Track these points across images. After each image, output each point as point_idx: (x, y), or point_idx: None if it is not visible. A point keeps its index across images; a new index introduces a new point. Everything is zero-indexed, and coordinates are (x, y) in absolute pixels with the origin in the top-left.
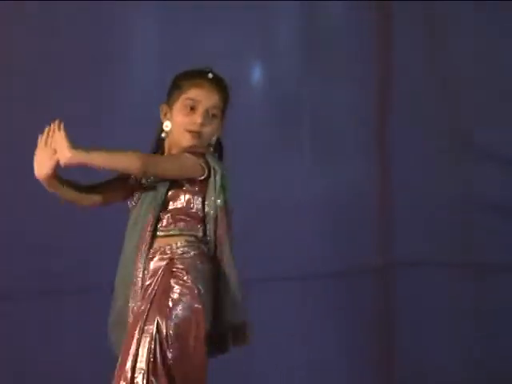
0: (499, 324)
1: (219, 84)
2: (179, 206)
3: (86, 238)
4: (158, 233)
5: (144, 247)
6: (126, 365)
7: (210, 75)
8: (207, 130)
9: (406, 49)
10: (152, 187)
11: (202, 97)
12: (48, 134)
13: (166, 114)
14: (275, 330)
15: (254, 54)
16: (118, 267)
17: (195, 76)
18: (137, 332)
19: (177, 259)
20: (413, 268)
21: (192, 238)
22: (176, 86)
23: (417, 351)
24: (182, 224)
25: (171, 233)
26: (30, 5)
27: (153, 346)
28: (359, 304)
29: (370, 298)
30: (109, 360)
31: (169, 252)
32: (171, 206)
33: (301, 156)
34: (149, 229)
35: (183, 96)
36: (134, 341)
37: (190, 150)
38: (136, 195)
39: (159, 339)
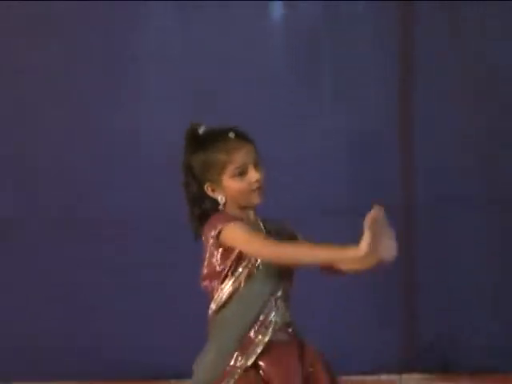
0: None
1: (244, 136)
2: None
3: (99, 168)
4: None
5: None
6: None
7: (232, 134)
8: (262, 177)
9: None
10: None
11: (244, 158)
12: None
13: (214, 191)
14: None
15: None
16: None
17: (223, 144)
18: None
19: None
20: (436, 205)
21: None
22: (209, 164)
23: (440, 288)
24: None
25: None
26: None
27: None
28: None
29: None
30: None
31: None
32: None
33: (321, 93)
34: None
35: (227, 168)
36: None
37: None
38: None
39: None
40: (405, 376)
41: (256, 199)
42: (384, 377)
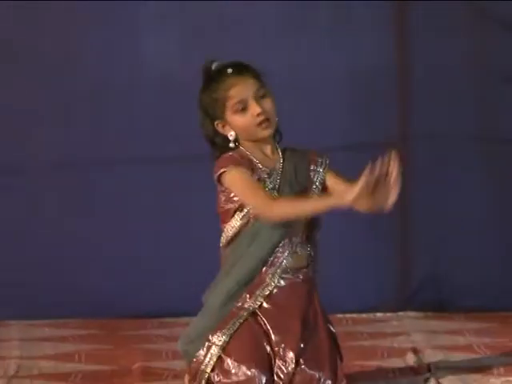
0: None
1: (244, 69)
2: None
3: (99, 114)
4: None
5: None
6: None
7: (230, 70)
8: (268, 109)
9: None
10: None
11: (243, 92)
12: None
13: (224, 127)
14: None
15: None
16: None
17: (222, 80)
18: None
19: None
20: (431, 140)
21: None
22: (214, 101)
23: (436, 226)
24: None
25: None
26: None
27: None
28: None
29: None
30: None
31: None
32: None
33: (320, 30)
34: None
35: (228, 104)
36: None
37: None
38: None
39: None
40: (400, 314)
41: (262, 132)
42: (380, 314)
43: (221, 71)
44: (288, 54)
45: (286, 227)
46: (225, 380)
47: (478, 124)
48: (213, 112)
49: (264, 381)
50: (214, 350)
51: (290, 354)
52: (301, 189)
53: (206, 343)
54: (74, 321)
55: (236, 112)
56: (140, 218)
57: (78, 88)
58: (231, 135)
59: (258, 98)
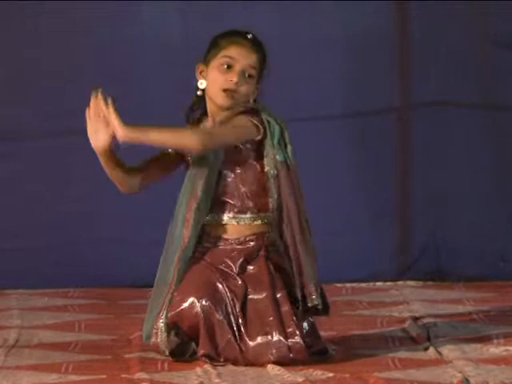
0: None
1: (258, 45)
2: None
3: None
4: None
5: None
6: None
7: (250, 36)
8: (243, 89)
9: None
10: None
11: (239, 55)
12: (95, 103)
13: (201, 72)
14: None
15: None
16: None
17: (235, 35)
18: None
19: None
20: (431, 108)
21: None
22: (215, 44)
23: (434, 195)
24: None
25: None
26: None
27: None
28: (377, 143)
29: (388, 138)
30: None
31: None
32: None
33: None
34: None
35: (221, 53)
36: None
37: (244, 110)
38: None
39: None
40: (400, 283)
41: (221, 99)
42: (379, 283)
43: (243, 31)
44: (286, 20)
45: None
46: (172, 312)
47: (480, 90)
48: (206, 53)
49: (204, 302)
50: (167, 292)
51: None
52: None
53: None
54: (74, 290)
55: (219, 66)
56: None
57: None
58: (201, 83)
59: (243, 73)
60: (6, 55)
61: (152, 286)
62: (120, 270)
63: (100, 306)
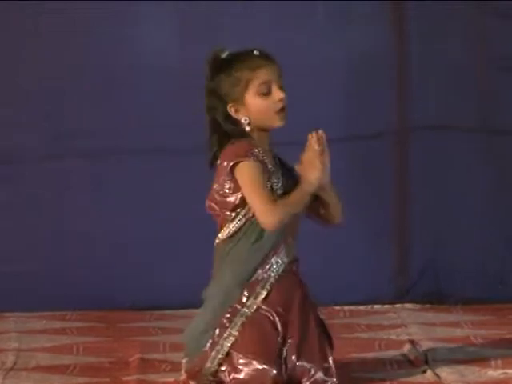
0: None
1: (269, 55)
2: None
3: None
4: None
5: None
6: None
7: (257, 52)
8: (286, 99)
9: None
10: None
11: (268, 75)
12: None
13: (237, 111)
14: None
15: None
16: None
17: (248, 60)
18: None
19: None
20: (430, 131)
21: None
22: (237, 80)
23: (433, 218)
24: None
25: None
26: None
27: None
28: (376, 166)
29: (387, 161)
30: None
31: None
32: None
33: (315, 20)
34: None
35: (253, 84)
36: None
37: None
38: None
39: None
40: (397, 306)
41: (279, 121)
42: (377, 306)
43: (246, 52)
44: (287, 43)
45: (285, 226)
46: (236, 376)
47: (479, 114)
48: (230, 93)
49: (273, 374)
50: (223, 346)
51: (293, 348)
52: (291, 187)
53: (210, 340)
54: (72, 313)
55: (259, 94)
56: (139, 210)
57: (76, 77)
58: (246, 119)
59: (281, 86)
60: (5, 55)
61: (150, 309)
62: (119, 292)
63: (98, 329)
